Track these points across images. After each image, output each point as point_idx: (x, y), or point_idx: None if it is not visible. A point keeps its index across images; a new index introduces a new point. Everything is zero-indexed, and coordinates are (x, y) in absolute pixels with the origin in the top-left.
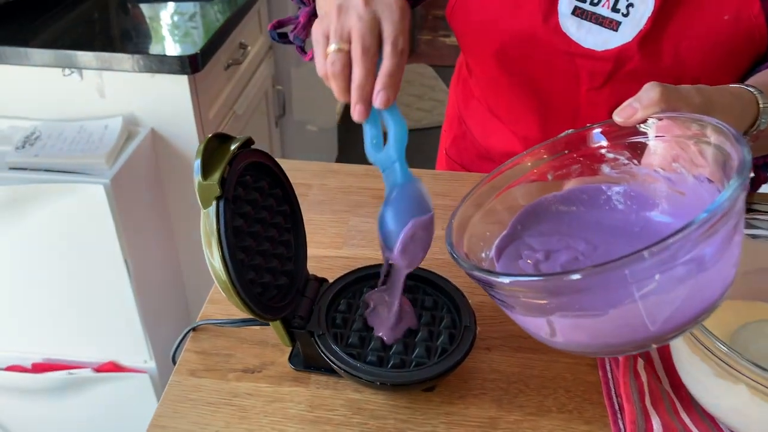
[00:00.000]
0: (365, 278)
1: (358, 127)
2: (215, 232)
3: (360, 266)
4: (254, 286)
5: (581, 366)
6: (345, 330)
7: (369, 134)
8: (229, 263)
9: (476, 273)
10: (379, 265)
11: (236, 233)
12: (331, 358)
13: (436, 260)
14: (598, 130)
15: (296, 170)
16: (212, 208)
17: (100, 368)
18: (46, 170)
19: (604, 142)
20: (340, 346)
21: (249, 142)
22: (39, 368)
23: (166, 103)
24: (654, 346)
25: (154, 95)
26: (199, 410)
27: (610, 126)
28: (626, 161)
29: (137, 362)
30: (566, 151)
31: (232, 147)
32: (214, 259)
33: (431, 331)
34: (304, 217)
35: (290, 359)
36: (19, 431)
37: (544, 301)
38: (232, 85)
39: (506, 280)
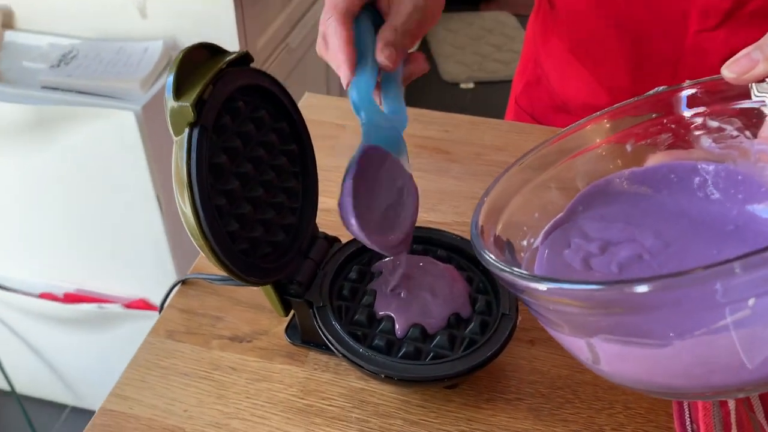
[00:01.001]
0: None
1: (430, 75)
2: (185, 168)
3: None
4: (237, 240)
5: None
6: (352, 303)
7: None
8: (199, 208)
9: (494, 269)
10: None
11: (217, 172)
12: (329, 337)
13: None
14: (698, 89)
15: (328, 107)
16: (184, 137)
17: (130, 305)
18: (79, 92)
19: (707, 106)
20: (342, 324)
21: (247, 58)
22: (70, 299)
23: (210, 28)
24: (740, 395)
25: (197, 18)
26: (170, 381)
27: (717, 84)
28: (735, 133)
29: None
30: (654, 115)
31: (222, 62)
32: (184, 202)
33: (458, 316)
34: (330, 163)
35: (287, 330)
36: (53, 357)
37: (592, 318)
38: (287, 14)
39: (543, 286)
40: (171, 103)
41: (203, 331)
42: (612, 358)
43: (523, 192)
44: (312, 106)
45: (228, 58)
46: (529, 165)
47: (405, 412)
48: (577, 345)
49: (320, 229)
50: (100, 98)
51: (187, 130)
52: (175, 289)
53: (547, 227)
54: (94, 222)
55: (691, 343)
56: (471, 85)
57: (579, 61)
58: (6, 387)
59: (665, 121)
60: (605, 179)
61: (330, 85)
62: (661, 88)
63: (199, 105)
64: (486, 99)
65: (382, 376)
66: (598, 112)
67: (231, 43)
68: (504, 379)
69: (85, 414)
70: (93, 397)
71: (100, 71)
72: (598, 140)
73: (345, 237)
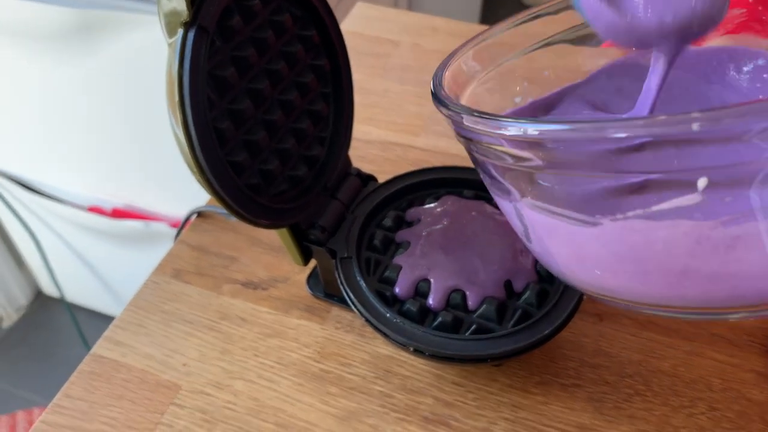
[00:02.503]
0: (434, 184)
1: None
2: (176, 79)
3: (436, 165)
4: (245, 173)
5: (743, 371)
6: (384, 257)
7: None
8: (192, 130)
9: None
10: (464, 169)
11: (221, 88)
12: (351, 295)
13: None
14: None
15: (383, 20)
16: (177, 40)
17: (177, 225)
18: None
19: None
20: (368, 280)
21: None
22: (118, 214)
23: None
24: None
25: None
26: (171, 329)
27: None
28: None
29: None
30: None
31: None
32: (176, 122)
33: (510, 282)
34: (378, 85)
35: (309, 280)
36: (102, 269)
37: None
38: None
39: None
40: None
41: (215, 273)
42: (541, 230)
43: (538, 47)
44: (364, 18)
45: None
46: (558, 18)
47: (438, 389)
48: (507, 210)
49: (355, 165)
50: (147, 4)
51: (180, 32)
52: (191, 220)
53: (559, 89)
54: (144, 136)
55: (622, 225)
56: None
57: None
58: (56, 294)
59: None
60: (645, 52)
61: None
62: None
63: (197, 0)
64: None
65: (411, 349)
66: None
67: None
68: (561, 359)
69: None
70: None
71: None
72: None
73: (383, 175)
